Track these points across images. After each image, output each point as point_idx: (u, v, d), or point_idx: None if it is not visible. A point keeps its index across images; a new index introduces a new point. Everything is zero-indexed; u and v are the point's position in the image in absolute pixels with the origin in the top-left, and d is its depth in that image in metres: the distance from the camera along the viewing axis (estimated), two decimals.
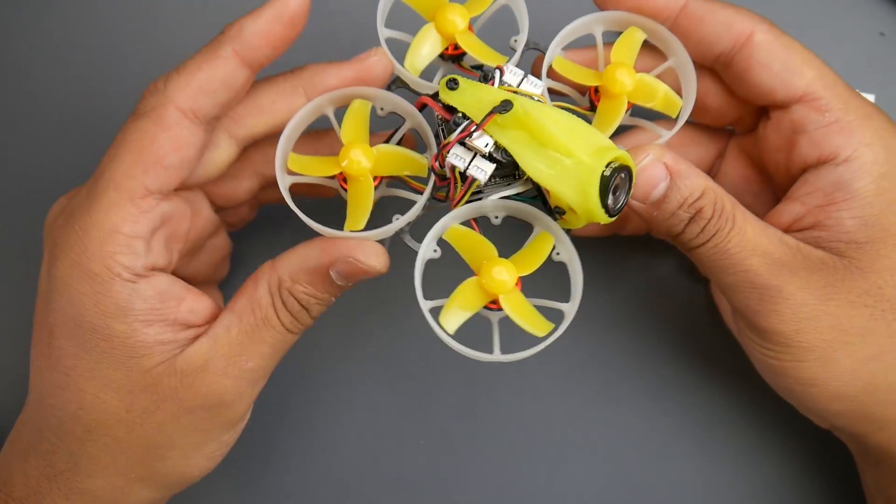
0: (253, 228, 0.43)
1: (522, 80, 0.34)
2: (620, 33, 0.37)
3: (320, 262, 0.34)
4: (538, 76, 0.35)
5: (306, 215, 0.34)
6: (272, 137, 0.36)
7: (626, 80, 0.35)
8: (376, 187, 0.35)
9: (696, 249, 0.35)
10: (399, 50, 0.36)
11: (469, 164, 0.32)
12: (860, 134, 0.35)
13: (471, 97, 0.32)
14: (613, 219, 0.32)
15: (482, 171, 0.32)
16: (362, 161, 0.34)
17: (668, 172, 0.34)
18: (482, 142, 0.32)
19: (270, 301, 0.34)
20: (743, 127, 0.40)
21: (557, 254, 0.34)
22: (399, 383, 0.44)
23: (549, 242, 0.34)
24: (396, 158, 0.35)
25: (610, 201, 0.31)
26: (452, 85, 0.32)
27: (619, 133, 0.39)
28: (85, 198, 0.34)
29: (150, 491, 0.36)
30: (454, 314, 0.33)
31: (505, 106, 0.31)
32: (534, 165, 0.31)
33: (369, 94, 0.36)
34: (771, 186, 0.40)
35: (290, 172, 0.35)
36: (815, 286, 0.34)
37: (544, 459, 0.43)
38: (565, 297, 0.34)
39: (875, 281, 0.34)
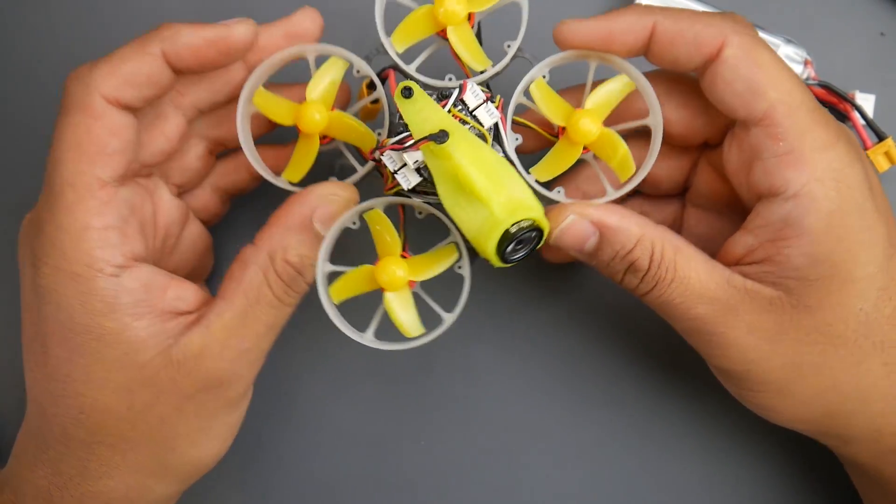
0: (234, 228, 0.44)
1: (480, 105, 0.34)
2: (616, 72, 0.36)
3: (303, 215, 0.34)
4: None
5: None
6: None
7: (590, 129, 0.35)
8: (329, 142, 0.37)
9: (642, 297, 0.36)
10: (400, 15, 0.36)
11: (398, 169, 0.34)
12: (811, 168, 0.33)
13: (418, 113, 0.33)
14: (508, 265, 0.34)
15: (408, 180, 0.34)
16: (315, 118, 0.36)
17: (597, 228, 0.35)
18: (412, 157, 0.33)
19: (263, 279, 0.34)
20: (714, 140, 0.39)
21: (459, 267, 0.36)
22: (399, 384, 0.45)
23: (452, 255, 0.36)
24: (349, 126, 0.36)
25: (508, 251, 0.33)
26: (407, 93, 0.33)
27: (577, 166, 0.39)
28: (45, 204, 0.34)
29: (165, 485, 0.36)
30: (343, 289, 0.36)
31: (440, 137, 0.32)
32: (447, 200, 0.33)
33: (350, 56, 0.36)
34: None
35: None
36: (763, 328, 0.34)
37: (543, 460, 0.44)
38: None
39: (824, 318, 0.34)
